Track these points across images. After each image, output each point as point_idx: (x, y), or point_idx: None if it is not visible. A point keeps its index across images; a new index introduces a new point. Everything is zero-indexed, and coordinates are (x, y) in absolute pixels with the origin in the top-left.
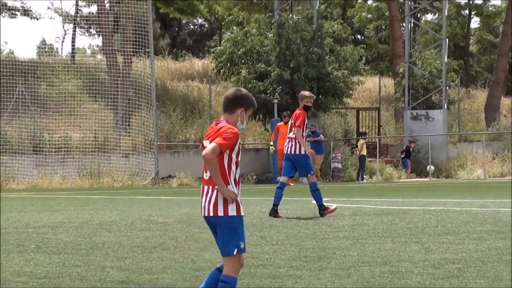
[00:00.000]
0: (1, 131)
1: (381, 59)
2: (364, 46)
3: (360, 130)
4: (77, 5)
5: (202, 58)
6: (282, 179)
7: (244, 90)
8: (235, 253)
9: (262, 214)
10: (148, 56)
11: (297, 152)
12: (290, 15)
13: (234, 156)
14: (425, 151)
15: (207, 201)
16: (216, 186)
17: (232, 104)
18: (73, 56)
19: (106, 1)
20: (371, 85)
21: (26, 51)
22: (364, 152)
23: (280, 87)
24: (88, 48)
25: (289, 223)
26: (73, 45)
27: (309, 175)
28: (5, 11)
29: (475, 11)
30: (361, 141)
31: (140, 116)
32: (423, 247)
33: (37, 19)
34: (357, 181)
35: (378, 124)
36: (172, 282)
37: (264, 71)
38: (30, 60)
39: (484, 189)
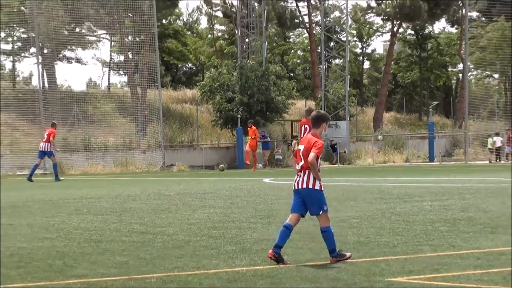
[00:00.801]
0: (64, 137)
1: (306, 88)
2: (295, 80)
3: (293, 134)
4: (111, 55)
5: (191, 89)
6: None
7: (322, 111)
8: (321, 213)
9: (231, 188)
10: (157, 88)
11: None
12: (248, 61)
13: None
14: (331, 145)
15: (302, 179)
16: (309, 171)
17: (318, 120)
18: (109, 88)
19: (129, 53)
20: (300, 105)
21: (79, 85)
22: (297, 147)
23: (241, 107)
24: (118, 83)
25: (248, 194)
26: (108, 81)
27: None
28: (65, 59)
29: (366, 57)
30: (294, 141)
31: (152, 126)
32: (334, 209)
33: (86, 64)
34: (292, 167)
35: None
36: (174, 232)
37: (231, 97)
38: (81, 91)
39: (372, 171)
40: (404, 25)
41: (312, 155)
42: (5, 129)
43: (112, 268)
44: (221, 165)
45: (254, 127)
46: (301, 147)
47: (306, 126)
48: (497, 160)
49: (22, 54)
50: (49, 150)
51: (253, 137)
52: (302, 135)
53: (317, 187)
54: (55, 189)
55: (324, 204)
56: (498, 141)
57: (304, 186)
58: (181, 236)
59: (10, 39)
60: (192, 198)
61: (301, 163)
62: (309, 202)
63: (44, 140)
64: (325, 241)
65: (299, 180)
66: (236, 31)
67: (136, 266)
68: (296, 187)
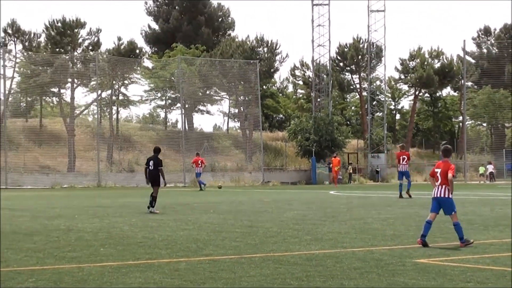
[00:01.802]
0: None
1: (358, 132)
2: (350, 126)
3: (349, 162)
4: (229, 109)
5: (282, 131)
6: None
7: (449, 146)
8: (452, 213)
9: (308, 197)
10: (259, 130)
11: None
12: (319, 113)
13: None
14: (375, 170)
15: (440, 191)
16: (445, 186)
17: (448, 152)
18: (227, 131)
19: (241, 107)
20: (354, 143)
21: (208, 128)
22: (351, 171)
23: (315, 143)
24: (234, 127)
25: (319, 201)
26: (227, 126)
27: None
28: (199, 111)
29: (397, 111)
30: (350, 167)
31: (256, 156)
32: (377, 212)
33: (213, 115)
34: (348, 183)
35: (357, 159)
36: (270, 226)
37: (308, 137)
38: (209, 132)
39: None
40: (422, 90)
41: (450, 175)
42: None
43: (229, 249)
44: (219, 185)
45: (338, 158)
46: (438, 170)
47: (404, 156)
48: (491, 181)
49: (172, 108)
50: (202, 171)
51: (336, 165)
52: (399, 163)
53: (449, 196)
54: (189, 196)
55: (454, 207)
56: (490, 168)
57: (442, 195)
58: (275, 228)
59: (163, 97)
60: (282, 204)
61: (439, 180)
62: (444, 206)
63: (199, 166)
64: (456, 232)
65: (437, 191)
66: (312, 94)
67: (245, 248)
68: (435, 195)
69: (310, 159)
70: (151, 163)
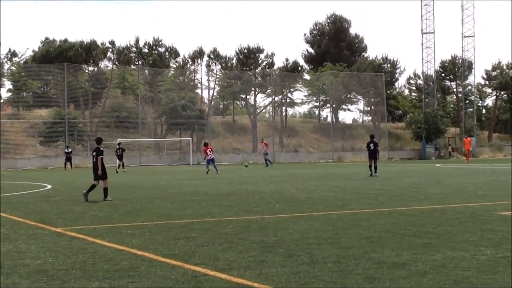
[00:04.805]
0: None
1: (454, 122)
2: (450, 117)
3: (449, 143)
4: (363, 107)
5: (401, 122)
6: None
7: None
8: None
9: (421, 168)
10: (385, 122)
11: None
12: (428, 109)
13: None
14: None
15: None
16: None
17: None
18: (362, 122)
19: (372, 106)
20: (452, 130)
21: (348, 121)
22: (451, 150)
23: (424, 130)
24: (366, 120)
25: (429, 172)
26: (362, 119)
27: None
28: (343, 109)
29: (483, 108)
30: (450, 147)
31: (382, 140)
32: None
33: (351, 111)
34: (449, 159)
35: (454, 141)
36: (394, 188)
37: (420, 126)
38: (349, 124)
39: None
40: (501, 92)
41: None
42: (315, 141)
43: (365, 205)
44: (246, 163)
45: (469, 139)
46: None
47: None
48: None
49: (323, 107)
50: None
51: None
52: None
53: None
54: (336, 168)
55: None
56: None
57: None
58: (398, 190)
59: (318, 100)
60: (402, 173)
61: None
62: None
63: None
64: None
65: None
66: (422, 96)
67: (377, 204)
68: None
69: (421, 141)
70: (371, 145)
